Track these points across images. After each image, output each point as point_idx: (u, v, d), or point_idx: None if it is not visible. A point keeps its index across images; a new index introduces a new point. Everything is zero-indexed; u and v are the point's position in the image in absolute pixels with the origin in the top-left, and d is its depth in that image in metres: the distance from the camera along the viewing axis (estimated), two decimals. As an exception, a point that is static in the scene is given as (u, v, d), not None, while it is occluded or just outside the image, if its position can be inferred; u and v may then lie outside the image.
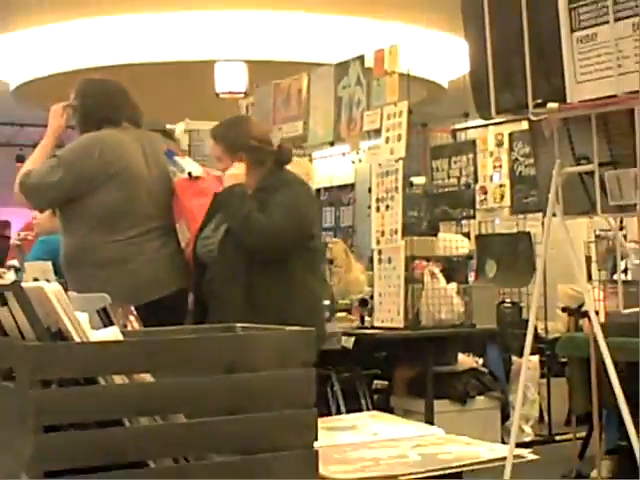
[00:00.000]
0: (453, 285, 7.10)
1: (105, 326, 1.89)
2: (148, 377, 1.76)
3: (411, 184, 9.12)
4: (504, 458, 2.14)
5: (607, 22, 1.04)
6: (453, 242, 7.92)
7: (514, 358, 7.73)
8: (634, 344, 4.33)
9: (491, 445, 2.27)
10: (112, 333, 1.81)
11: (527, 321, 8.02)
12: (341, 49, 9.46)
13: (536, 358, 7.85)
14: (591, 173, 1.17)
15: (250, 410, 1.86)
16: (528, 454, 2.21)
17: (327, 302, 7.92)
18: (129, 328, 2.26)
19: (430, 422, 6.58)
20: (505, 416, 7.47)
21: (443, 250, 7.62)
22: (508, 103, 1.18)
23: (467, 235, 8.58)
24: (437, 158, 10.91)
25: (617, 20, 1.01)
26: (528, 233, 7.88)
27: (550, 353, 7.60)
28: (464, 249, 7.94)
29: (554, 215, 1.12)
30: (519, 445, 7.12)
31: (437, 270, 7.07)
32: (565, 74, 1.10)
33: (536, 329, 7.72)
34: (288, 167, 4.73)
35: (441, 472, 2.06)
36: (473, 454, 2.16)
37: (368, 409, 6.74)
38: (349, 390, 7.16)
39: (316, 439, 1.91)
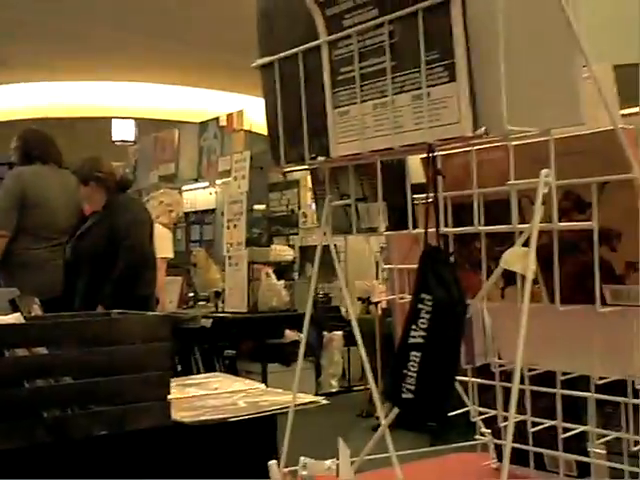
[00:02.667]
0: (282, 282, 7.19)
1: (14, 312, 1.87)
2: (43, 350, 1.73)
3: (251, 210, 9.11)
4: (306, 403, 2.18)
5: (356, 103, 1.09)
6: (282, 251, 8.00)
7: (325, 333, 7.87)
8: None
9: (299, 394, 2.31)
10: (15, 317, 1.77)
11: (335, 307, 8.23)
12: (204, 111, 9.45)
13: (340, 333, 7.99)
14: (349, 205, 1.24)
15: (121, 373, 1.85)
16: (323, 400, 2.25)
17: (192, 294, 7.90)
18: (33, 314, 2.20)
19: (265, 380, 6.65)
20: (318, 374, 7.61)
21: (275, 257, 7.69)
22: (294, 156, 1.22)
23: (293, 246, 8.65)
24: (273, 191, 10.93)
25: (362, 102, 1.07)
26: (334, 245, 8.01)
27: (349, 329, 7.74)
28: (290, 256, 8.04)
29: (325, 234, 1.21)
30: (328, 394, 7.30)
31: (271, 271, 7.14)
32: (330, 137, 1.15)
33: (341, 312, 7.91)
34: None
35: (260, 414, 2.08)
36: (284, 401, 2.19)
37: (221, 371, 6.73)
38: (207, 357, 7.13)
39: (169, 393, 1.92)
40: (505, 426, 1.51)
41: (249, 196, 7.18)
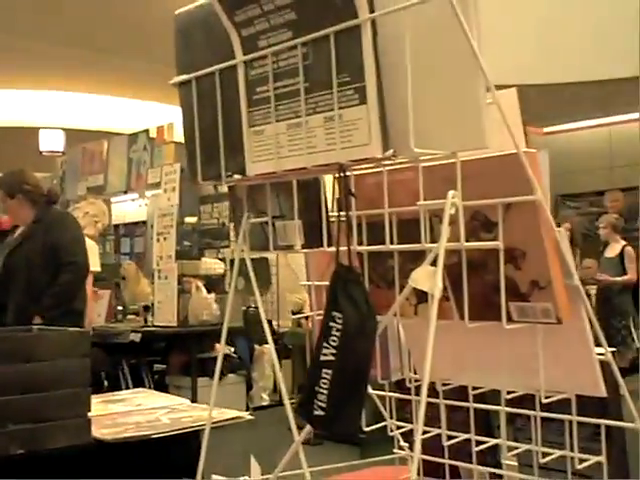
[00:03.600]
0: (212, 295, 7.13)
1: None
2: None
3: (182, 222, 9.03)
4: (229, 419, 2.17)
5: (270, 122, 1.10)
6: (213, 264, 7.94)
7: (256, 346, 7.83)
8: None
9: (222, 410, 2.30)
10: None
11: (269, 321, 8.21)
12: (134, 123, 9.35)
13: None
14: (267, 223, 1.25)
15: (39, 390, 1.81)
16: (247, 415, 2.25)
17: (121, 308, 7.77)
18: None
19: (194, 394, 6.58)
20: (249, 387, 7.57)
21: (206, 270, 7.63)
22: (211, 173, 1.23)
23: (223, 260, 8.60)
24: (204, 204, 10.86)
25: (277, 122, 1.08)
26: (266, 259, 8.01)
27: (281, 342, 7.73)
28: (221, 270, 7.98)
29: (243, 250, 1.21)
30: (259, 408, 7.27)
31: (201, 284, 7.08)
32: (246, 155, 1.16)
33: (273, 325, 7.90)
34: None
35: (182, 431, 2.06)
36: (206, 417, 2.17)
37: (150, 386, 6.64)
38: (136, 372, 7.01)
39: (89, 410, 1.89)
40: (420, 439, 1.54)
41: (180, 209, 7.12)
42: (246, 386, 7.53)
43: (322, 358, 1.03)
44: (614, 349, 1.25)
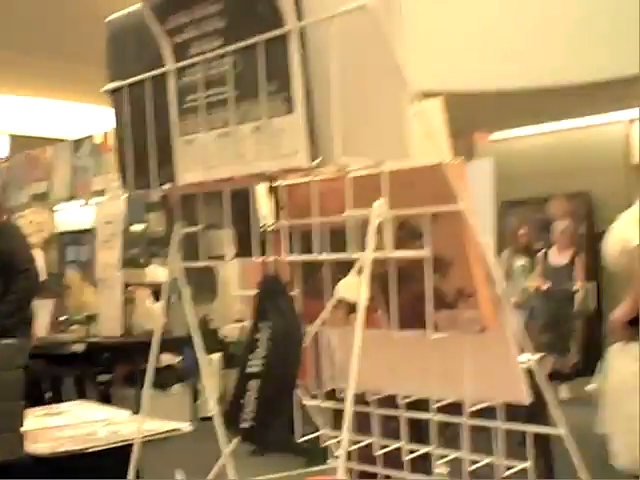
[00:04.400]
0: (159, 304, 7.04)
1: None
2: None
3: (129, 230, 8.92)
4: (167, 431, 2.15)
5: (200, 131, 1.10)
6: (160, 273, 7.85)
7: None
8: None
9: (161, 422, 2.27)
10: None
11: (215, 330, 8.15)
12: (79, 129, 9.21)
13: (218, 355, 7.91)
14: (198, 232, 1.25)
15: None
16: (185, 427, 2.23)
17: (64, 318, 7.63)
18: None
19: (139, 405, 6.48)
20: (196, 397, 7.49)
21: (152, 278, 7.54)
22: (142, 182, 1.22)
23: (171, 268, 8.50)
24: (151, 211, 10.75)
25: (207, 130, 1.08)
26: (212, 269, 7.95)
27: (227, 351, 7.68)
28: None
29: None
30: (207, 418, 7.21)
31: (147, 293, 6.99)
32: (176, 164, 1.15)
33: (219, 334, 7.84)
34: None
35: (120, 443, 2.04)
36: (147, 429, 2.15)
37: (94, 398, 6.52)
38: (80, 384, 6.89)
39: (22, 425, 1.85)
40: (355, 449, 1.55)
41: (126, 216, 7.02)
42: (193, 396, 7.46)
43: (249, 370, 1.03)
44: (540, 355, 1.27)
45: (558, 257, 7.43)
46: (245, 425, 1.02)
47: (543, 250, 7.23)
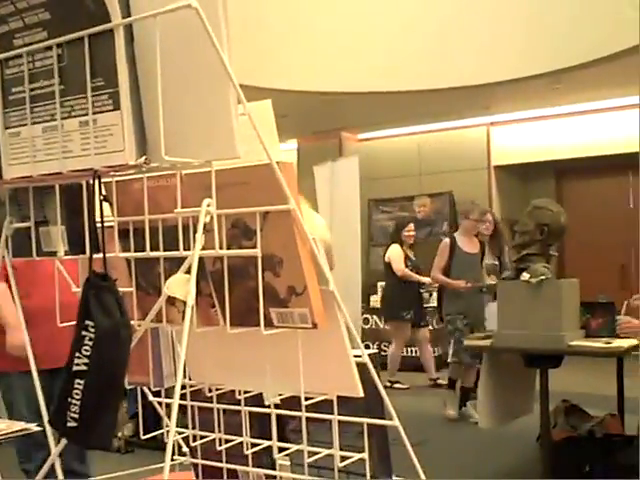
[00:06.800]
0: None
1: None
2: None
3: None
4: (15, 431, 2.07)
5: (26, 124, 1.06)
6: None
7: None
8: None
9: (9, 422, 2.18)
10: None
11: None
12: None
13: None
14: (30, 228, 1.20)
15: None
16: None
17: None
18: None
19: None
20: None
21: None
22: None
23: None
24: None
25: (33, 124, 1.04)
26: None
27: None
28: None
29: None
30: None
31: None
32: (2, 158, 1.11)
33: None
34: None
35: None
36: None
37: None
38: None
39: None
40: (200, 444, 1.54)
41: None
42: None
43: (75, 368, 1.00)
44: (372, 351, 1.31)
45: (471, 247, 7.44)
46: (71, 424, 1.00)
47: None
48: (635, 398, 4.71)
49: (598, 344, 4.07)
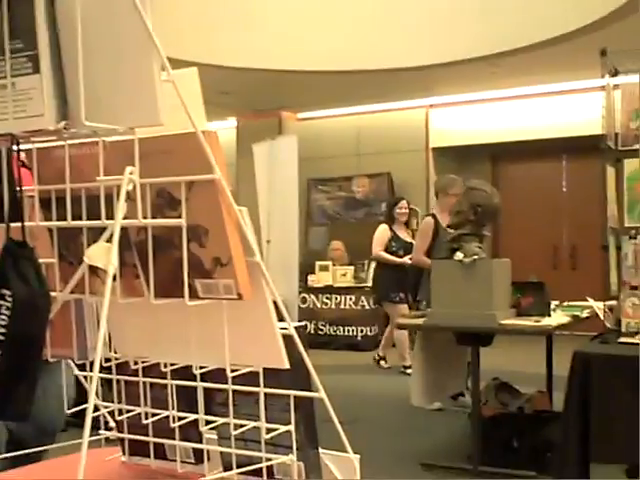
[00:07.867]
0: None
1: None
2: None
3: None
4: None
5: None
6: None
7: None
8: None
9: None
10: None
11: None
12: None
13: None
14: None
15: None
16: None
17: None
18: None
19: None
20: None
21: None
22: None
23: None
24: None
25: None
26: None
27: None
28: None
29: None
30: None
31: None
32: None
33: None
34: None
35: None
36: None
37: None
38: None
39: None
40: (128, 419, 1.53)
41: None
42: None
43: (-9, 338, 0.98)
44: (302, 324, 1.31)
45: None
46: (-13, 397, 0.97)
47: None
48: (563, 376, 4.87)
49: (528, 322, 4.17)
